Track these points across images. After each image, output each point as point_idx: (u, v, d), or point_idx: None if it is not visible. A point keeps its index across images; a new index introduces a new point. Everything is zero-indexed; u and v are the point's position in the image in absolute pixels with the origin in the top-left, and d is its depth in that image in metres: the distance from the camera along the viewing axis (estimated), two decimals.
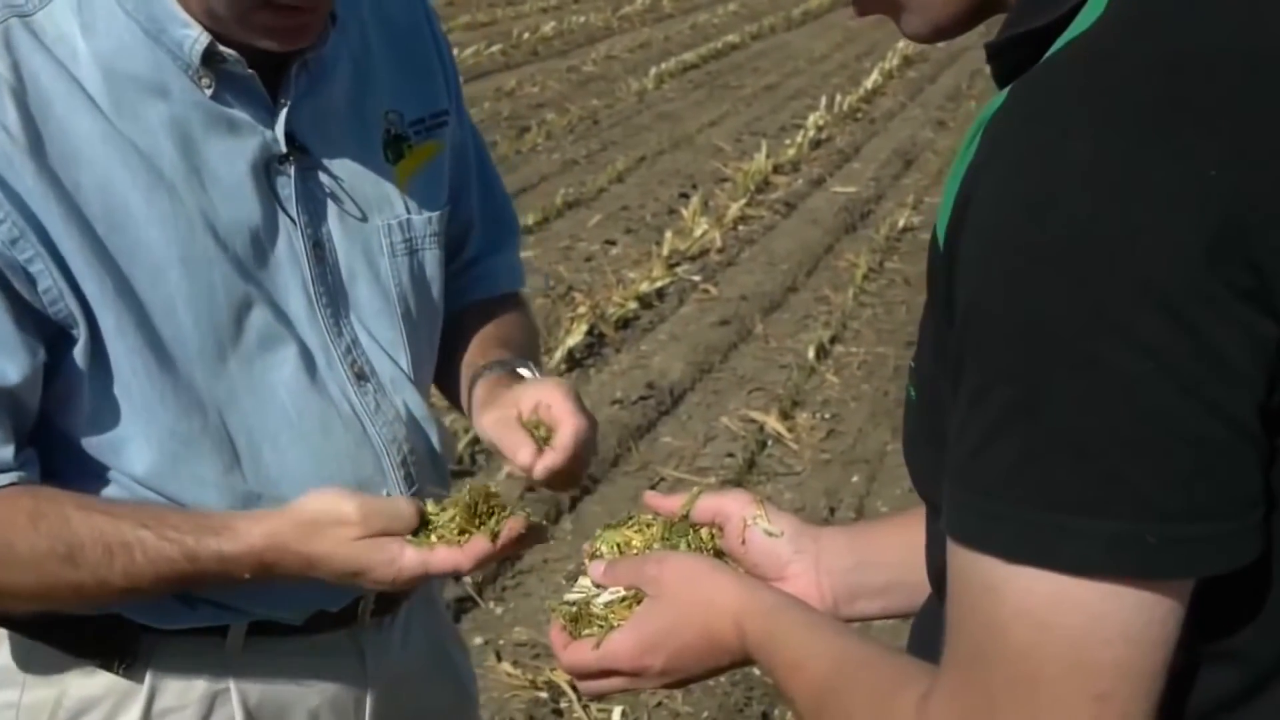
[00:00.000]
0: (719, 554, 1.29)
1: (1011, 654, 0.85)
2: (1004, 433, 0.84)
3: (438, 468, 1.60)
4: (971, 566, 0.87)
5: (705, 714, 3.44)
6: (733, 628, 1.13)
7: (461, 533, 1.38)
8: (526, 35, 14.09)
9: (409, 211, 1.56)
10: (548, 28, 14.57)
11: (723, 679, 3.55)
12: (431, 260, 1.59)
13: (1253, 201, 0.82)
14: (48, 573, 1.36)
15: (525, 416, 1.47)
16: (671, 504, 1.33)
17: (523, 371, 1.58)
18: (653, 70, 12.26)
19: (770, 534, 1.29)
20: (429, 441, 1.58)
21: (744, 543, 1.29)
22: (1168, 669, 0.85)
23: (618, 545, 1.27)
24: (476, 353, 1.65)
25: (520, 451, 1.44)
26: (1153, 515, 0.82)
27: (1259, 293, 0.82)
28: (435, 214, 1.59)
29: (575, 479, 1.49)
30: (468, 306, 1.71)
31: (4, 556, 1.36)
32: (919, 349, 1.01)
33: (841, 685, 1.01)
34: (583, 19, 15.56)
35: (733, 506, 1.31)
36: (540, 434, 1.45)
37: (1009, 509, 0.84)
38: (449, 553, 1.37)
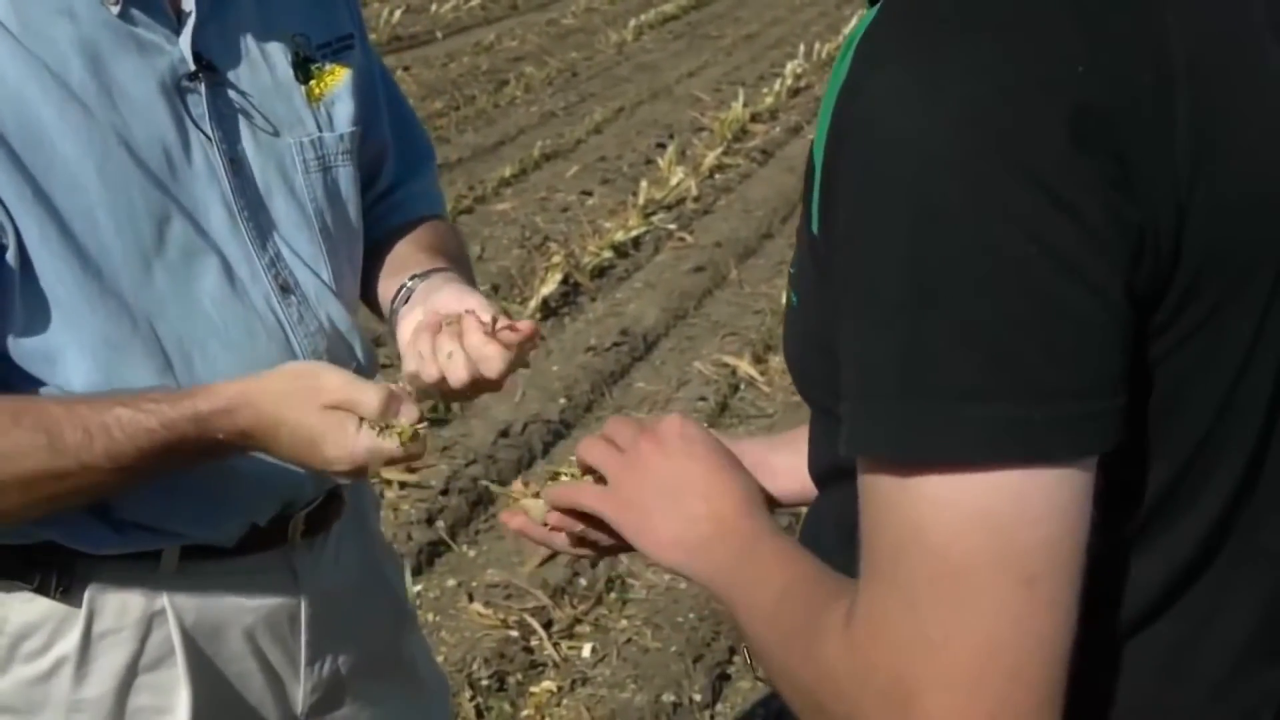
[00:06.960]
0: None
1: (931, 550, 0.83)
2: (893, 329, 0.84)
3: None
4: (877, 473, 0.86)
5: (674, 648, 3.46)
6: (729, 503, 1.09)
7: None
8: None
9: (320, 129, 1.60)
10: None
11: (690, 615, 3.59)
12: (345, 177, 1.63)
13: (1113, 92, 0.85)
14: (33, 463, 1.36)
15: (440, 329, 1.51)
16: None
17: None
18: (632, 22, 12.19)
19: None
20: (354, 354, 1.62)
21: None
22: (1085, 553, 0.85)
23: None
24: (402, 262, 1.69)
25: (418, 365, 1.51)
26: (1040, 395, 0.82)
27: (1124, 182, 0.84)
28: (347, 132, 1.62)
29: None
30: (388, 231, 1.75)
31: None
32: (797, 255, 1.02)
33: (789, 602, 0.99)
34: None
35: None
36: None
37: (903, 405, 0.84)
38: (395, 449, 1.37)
